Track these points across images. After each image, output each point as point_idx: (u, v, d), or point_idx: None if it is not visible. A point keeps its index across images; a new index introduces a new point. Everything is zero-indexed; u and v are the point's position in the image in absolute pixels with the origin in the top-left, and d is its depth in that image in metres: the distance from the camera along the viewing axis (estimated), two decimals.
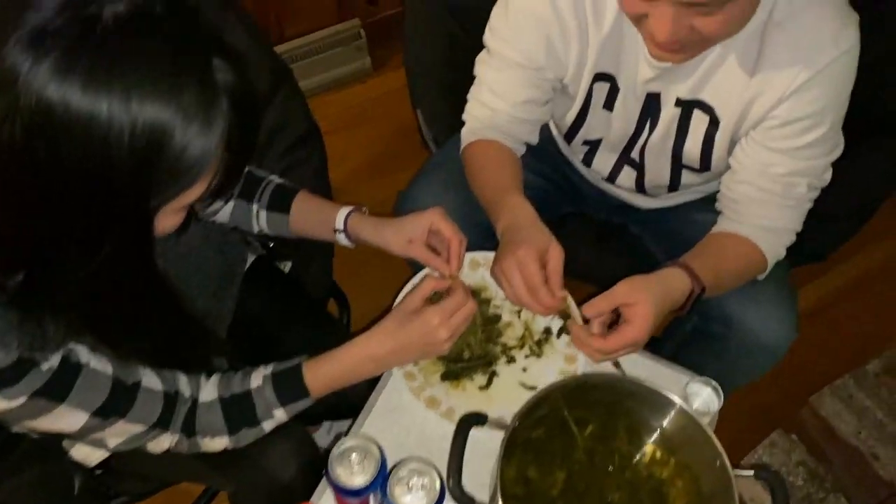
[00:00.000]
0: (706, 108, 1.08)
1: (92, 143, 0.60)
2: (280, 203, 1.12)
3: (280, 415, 0.94)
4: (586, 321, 1.01)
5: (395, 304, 1.07)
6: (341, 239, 1.11)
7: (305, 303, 1.26)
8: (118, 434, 0.86)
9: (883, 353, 1.66)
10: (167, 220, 0.72)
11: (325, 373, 0.95)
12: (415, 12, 1.43)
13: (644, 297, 0.97)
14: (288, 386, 0.93)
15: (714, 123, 1.09)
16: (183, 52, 0.63)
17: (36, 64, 0.58)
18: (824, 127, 1.02)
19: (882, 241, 2.08)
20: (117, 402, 0.84)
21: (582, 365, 1.06)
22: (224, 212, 1.13)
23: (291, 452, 1.04)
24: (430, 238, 1.05)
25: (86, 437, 0.85)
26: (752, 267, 1.13)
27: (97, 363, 0.82)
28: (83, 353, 0.82)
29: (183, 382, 0.92)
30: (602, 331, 1.00)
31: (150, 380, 0.88)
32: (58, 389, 0.78)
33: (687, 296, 1.03)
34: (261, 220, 1.13)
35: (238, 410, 0.93)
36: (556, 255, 1.01)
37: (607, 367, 1.05)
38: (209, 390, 0.94)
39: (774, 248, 1.12)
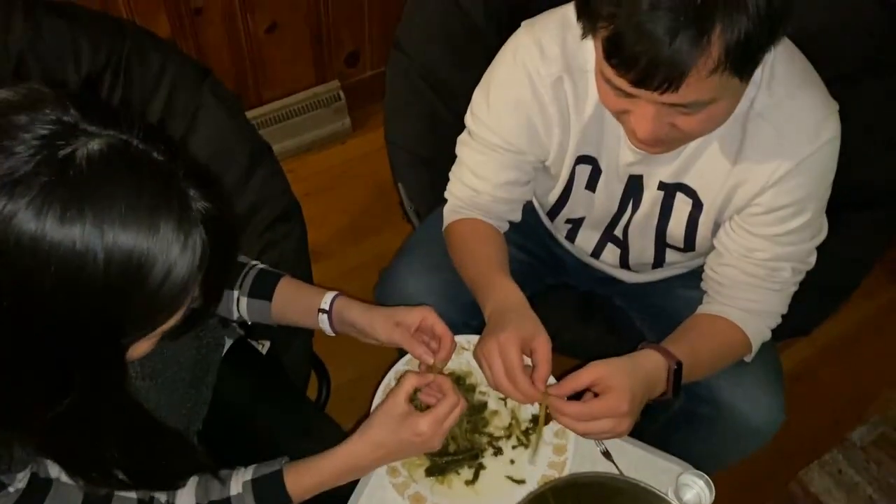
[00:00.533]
0: (689, 192, 1.08)
1: (67, 280, 0.58)
2: (262, 289, 1.08)
3: None
4: None
5: (377, 400, 1.05)
6: (323, 323, 1.07)
7: (284, 389, 1.22)
8: None
9: (868, 417, 1.66)
10: (141, 347, 0.70)
11: (307, 481, 0.92)
12: (395, 88, 1.43)
13: (614, 369, 0.97)
14: (268, 495, 0.91)
15: (697, 206, 1.09)
16: (160, 186, 0.61)
17: (10, 206, 0.55)
18: (807, 214, 1.03)
19: (861, 304, 2.08)
20: None
21: (571, 456, 1.03)
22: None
23: None
24: (416, 334, 1.03)
25: None
26: (734, 348, 1.12)
27: (67, 477, 0.79)
28: (53, 467, 0.79)
29: None
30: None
31: None
32: None
33: (665, 374, 1.02)
34: (241, 306, 1.10)
35: None
36: (543, 345, 0.99)
37: (599, 461, 1.03)
38: (187, 497, 0.90)
39: (759, 330, 1.12)
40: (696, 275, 1.22)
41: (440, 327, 1.00)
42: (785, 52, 0.99)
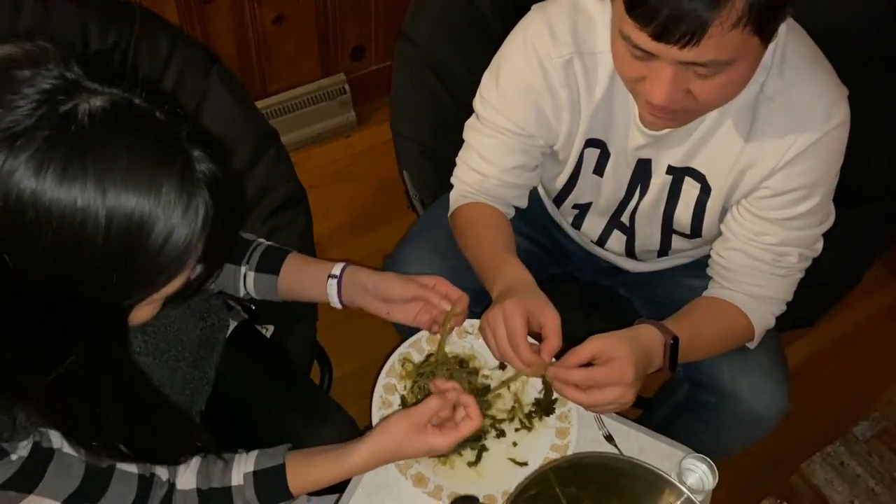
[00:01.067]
0: (697, 176, 1.08)
1: (67, 239, 0.57)
2: (270, 264, 1.08)
3: None
4: None
5: (380, 383, 1.05)
6: (332, 290, 1.05)
7: (288, 372, 1.23)
8: None
9: (870, 413, 1.66)
10: (143, 311, 0.69)
11: (310, 478, 0.92)
12: (401, 77, 1.44)
13: (613, 341, 0.97)
14: (270, 488, 0.90)
15: (706, 191, 1.09)
16: (162, 145, 0.61)
17: (10, 161, 0.55)
18: (816, 198, 1.03)
19: (863, 302, 2.09)
20: (90, 488, 0.81)
21: (574, 439, 1.03)
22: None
23: None
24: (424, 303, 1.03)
25: None
26: (737, 333, 1.12)
27: (70, 447, 0.79)
28: (55, 437, 0.78)
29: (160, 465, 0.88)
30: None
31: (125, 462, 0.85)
32: (28, 479, 0.74)
33: (661, 348, 1.02)
34: (248, 282, 1.09)
35: None
36: (552, 318, 0.99)
37: (602, 445, 1.03)
38: (188, 477, 0.90)
39: (763, 316, 1.12)
40: (700, 264, 1.22)
41: (455, 291, 1.01)
42: (795, 37, 1.00)
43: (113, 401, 0.73)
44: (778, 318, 1.16)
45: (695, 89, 0.87)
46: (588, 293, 1.44)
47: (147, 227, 0.59)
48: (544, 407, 1.07)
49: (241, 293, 1.10)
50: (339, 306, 1.07)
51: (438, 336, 1.06)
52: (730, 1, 0.76)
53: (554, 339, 0.98)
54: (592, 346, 0.98)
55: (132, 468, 0.86)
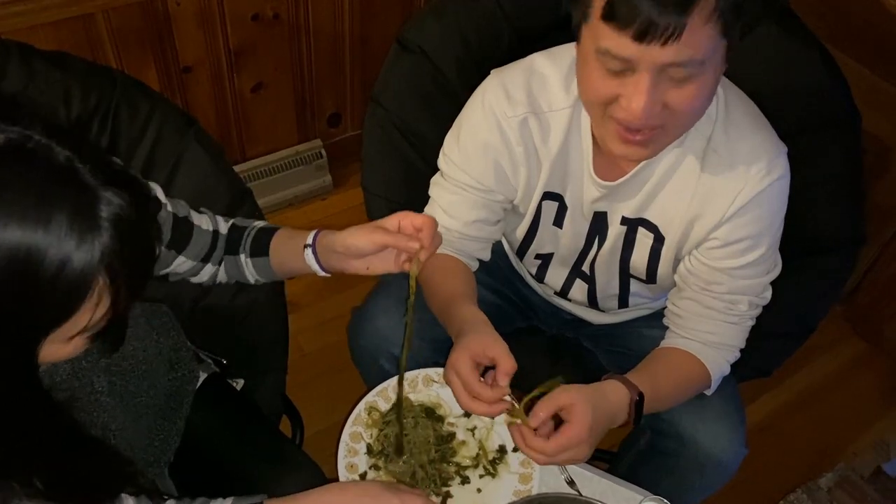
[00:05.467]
0: (650, 227, 1.14)
1: None
2: (260, 247, 1.09)
3: None
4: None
5: (346, 431, 1.06)
6: (310, 259, 1.04)
7: (258, 423, 1.23)
8: None
9: (835, 466, 1.68)
10: (57, 350, 0.70)
11: None
12: (372, 138, 1.51)
13: (580, 397, 1.00)
14: None
15: (659, 240, 1.15)
16: (54, 179, 0.63)
17: None
18: (762, 248, 1.09)
19: (828, 352, 2.14)
20: None
21: (537, 484, 1.05)
22: (203, 274, 1.11)
23: None
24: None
25: None
26: (694, 380, 1.16)
27: None
28: None
29: None
30: (545, 433, 1.00)
31: None
32: None
33: (627, 404, 1.05)
34: (250, 269, 1.11)
35: None
36: (499, 348, 1.01)
37: (562, 487, 1.05)
38: None
39: (717, 363, 1.16)
40: (658, 315, 1.27)
41: (419, 218, 0.97)
42: (737, 97, 1.08)
43: (24, 436, 0.73)
44: (736, 368, 1.20)
45: (670, 100, 0.91)
46: (553, 344, 1.48)
47: (36, 258, 0.61)
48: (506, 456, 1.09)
49: (252, 280, 1.11)
50: (322, 274, 1.07)
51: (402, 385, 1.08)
52: None
53: (506, 361, 1.00)
54: (559, 399, 1.01)
55: None
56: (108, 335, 0.77)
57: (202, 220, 1.09)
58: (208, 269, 1.11)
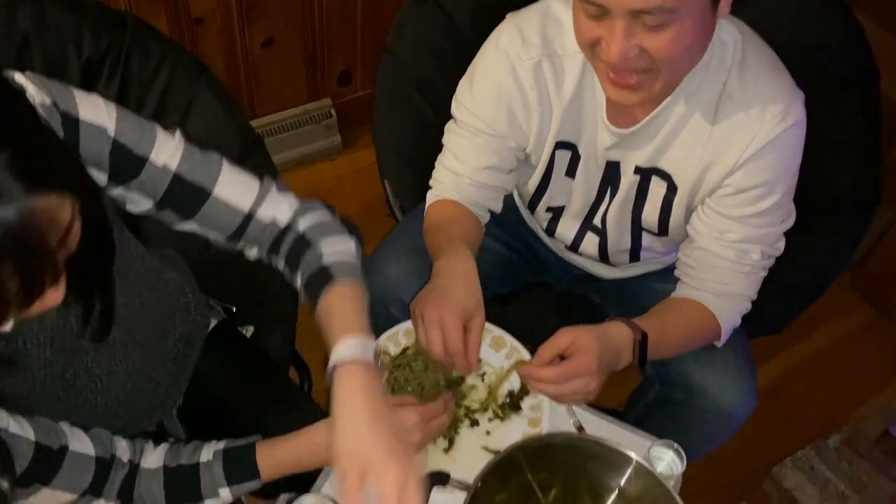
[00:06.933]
0: (664, 176, 1.13)
1: None
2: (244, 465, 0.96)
3: (225, 494, 0.91)
4: None
5: None
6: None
7: (266, 369, 1.24)
8: (44, 502, 0.83)
9: (842, 428, 1.68)
10: None
11: (279, 457, 0.92)
12: (384, 90, 1.49)
13: (581, 332, 1.02)
14: (238, 465, 0.91)
15: (672, 190, 1.13)
16: None
17: None
18: (776, 196, 1.07)
19: (838, 319, 2.14)
20: (41, 469, 0.81)
21: (546, 428, 1.05)
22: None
23: None
24: None
25: None
26: (704, 330, 1.16)
27: (17, 428, 0.80)
28: (1, 418, 0.79)
29: (122, 447, 0.90)
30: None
31: (81, 444, 0.86)
32: None
33: (631, 344, 1.06)
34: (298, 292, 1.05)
35: (181, 482, 0.90)
36: (477, 328, 1.04)
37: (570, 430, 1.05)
38: (156, 457, 0.91)
39: (728, 313, 1.15)
40: (669, 270, 1.26)
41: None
42: (755, 43, 1.06)
43: None
44: (747, 324, 1.20)
45: (647, 44, 0.91)
46: (563, 300, 1.47)
47: None
48: (515, 402, 1.10)
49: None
50: None
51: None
52: None
53: (476, 337, 1.03)
54: (563, 338, 1.02)
55: (89, 450, 0.86)
56: (93, 322, 0.79)
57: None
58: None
